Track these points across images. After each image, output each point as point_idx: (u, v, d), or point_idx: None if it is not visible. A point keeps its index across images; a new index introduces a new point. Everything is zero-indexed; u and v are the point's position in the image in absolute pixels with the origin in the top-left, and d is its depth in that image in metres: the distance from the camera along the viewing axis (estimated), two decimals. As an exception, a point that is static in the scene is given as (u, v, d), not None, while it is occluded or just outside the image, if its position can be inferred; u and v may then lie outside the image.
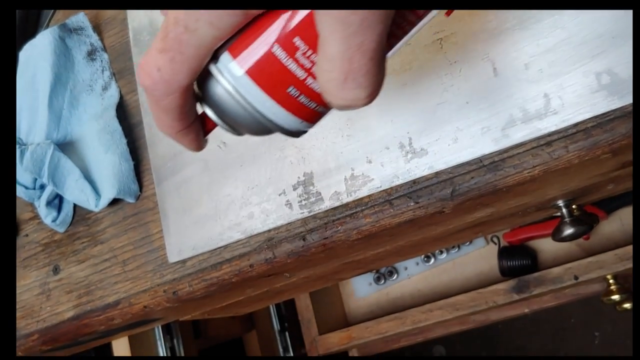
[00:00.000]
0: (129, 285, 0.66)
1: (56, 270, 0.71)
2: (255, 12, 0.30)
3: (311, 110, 0.34)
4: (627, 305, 1.12)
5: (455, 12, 0.56)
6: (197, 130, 0.38)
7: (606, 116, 0.50)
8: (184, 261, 0.63)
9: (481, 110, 0.54)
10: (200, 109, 0.37)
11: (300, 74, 0.32)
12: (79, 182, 0.68)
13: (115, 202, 0.68)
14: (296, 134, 0.36)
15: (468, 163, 0.54)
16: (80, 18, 0.75)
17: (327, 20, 0.29)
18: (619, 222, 1.12)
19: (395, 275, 1.38)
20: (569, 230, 0.69)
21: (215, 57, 0.33)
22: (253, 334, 1.63)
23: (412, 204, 0.55)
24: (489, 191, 0.53)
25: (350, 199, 0.57)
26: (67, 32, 0.74)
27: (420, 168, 0.55)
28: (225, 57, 0.33)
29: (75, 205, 0.72)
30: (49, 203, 0.71)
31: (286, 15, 0.31)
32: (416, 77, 0.57)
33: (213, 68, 0.33)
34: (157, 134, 0.68)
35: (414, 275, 1.37)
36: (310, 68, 0.32)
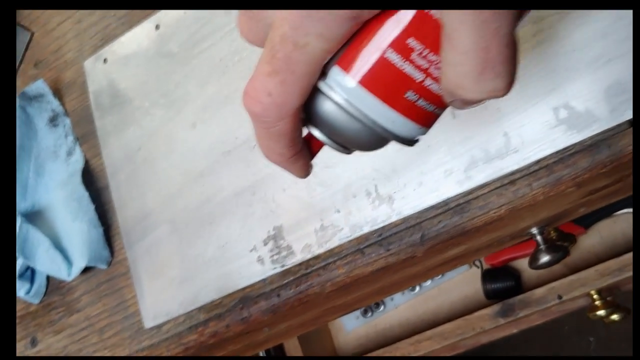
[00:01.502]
0: (107, 353, 0.65)
1: (34, 342, 0.70)
2: (365, 17, 0.29)
3: (429, 113, 0.32)
4: (615, 317, 1.11)
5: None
6: (306, 155, 0.36)
7: (567, 151, 0.50)
8: (159, 326, 0.62)
9: (443, 153, 0.54)
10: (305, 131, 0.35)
11: (418, 76, 0.30)
12: (49, 253, 0.67)
13: (88, 268, 0.67)
14: (411, 142, 0.34)
15: (435, 207, 0.54)
16: (39, 85, 0.74)
17: (456, 10, 0.27)
18: (598, 235, 1.13)
19: (382, 307, 1.37)
20: (545, 258, 0.69)
21: (322, 72, 0.31)
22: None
23: (383, 251, 0.55)
24: (458, 233, 0.53)
25: (321, 250, 0.57)
26: (27, 100, 0.74)
27: (388, 214, 0.55)
28: (334, 70, 0.31)
29: (48, 275, 0.71)
30: (20, 276, 0.70)
31: (395, 17, 0.29)
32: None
33: (322, 84, 0.31)
34: (125, 197, 0.67)
35: (401, 304, 1.37)
36: (428, 68, 0.30)
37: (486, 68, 0.28)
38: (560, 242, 0.86)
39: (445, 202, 0.53)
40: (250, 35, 0.33)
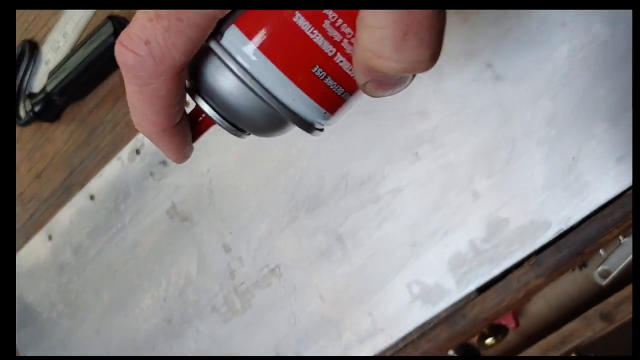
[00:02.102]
0: None
1: None
2: None
3: (337, 97, 0.28)
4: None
5: (274, 244, 0.58)
6: (186, 133, 0.30)
7: (427, 325, 0.51)
8: None
9: (320, 339, 0.55)
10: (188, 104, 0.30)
11: (329, 49, 0.26)
12: None
13: None
14: (311, 127, 0.29)
15: (323, 394, 0.55)
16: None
17: None
18: (543, 299, 1.13)
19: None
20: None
21: (217, 32, 0.26)
22: None
23: None
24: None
25: None
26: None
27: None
28: (232, 31, 0.26)
29: None
30: None
31: None
32: (258, 315, 0.58)
33: (216, 46, 0.26)
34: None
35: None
36: (341, 42, 0.26)
37: (409, 33, 0.23)
38: (492, 336, 0.87)
39: (332, 388, 0.55)
40: None
